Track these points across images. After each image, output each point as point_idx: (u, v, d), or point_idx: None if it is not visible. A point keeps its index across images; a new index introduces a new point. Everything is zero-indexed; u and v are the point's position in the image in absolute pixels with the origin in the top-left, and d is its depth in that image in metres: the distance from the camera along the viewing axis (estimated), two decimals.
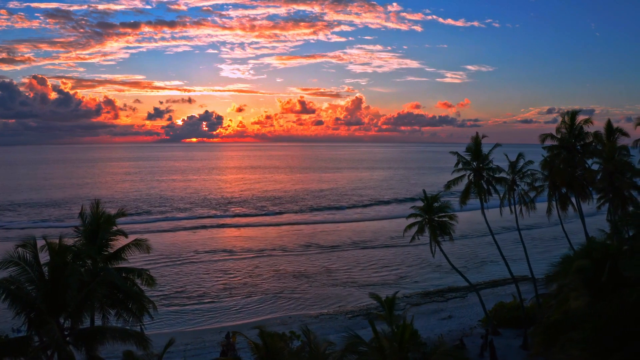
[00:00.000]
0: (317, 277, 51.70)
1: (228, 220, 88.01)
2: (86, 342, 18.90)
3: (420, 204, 34.88)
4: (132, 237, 23.88)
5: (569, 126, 36.93)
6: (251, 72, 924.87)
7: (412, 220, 34.32)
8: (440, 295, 45.32)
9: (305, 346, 18.82)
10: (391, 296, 31.25)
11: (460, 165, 35.04)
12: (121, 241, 23.68)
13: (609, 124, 38.67)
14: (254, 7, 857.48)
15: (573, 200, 38.16)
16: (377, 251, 62.90)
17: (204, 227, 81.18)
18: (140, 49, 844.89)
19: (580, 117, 37.45)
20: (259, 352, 18.49)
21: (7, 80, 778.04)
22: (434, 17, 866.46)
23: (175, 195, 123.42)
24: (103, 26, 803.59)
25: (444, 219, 33.59)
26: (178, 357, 31.41)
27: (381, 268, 54.94)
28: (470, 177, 34.86)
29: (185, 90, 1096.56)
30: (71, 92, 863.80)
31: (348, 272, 53.43)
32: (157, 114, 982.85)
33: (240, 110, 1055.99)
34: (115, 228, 23.24)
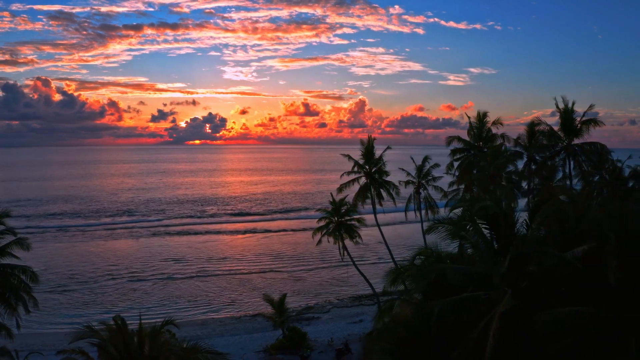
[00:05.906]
0: (258, 282, 52.35)
1: (198, 227, 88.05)
2: None
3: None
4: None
5: (477, 127, 37.06)
6: (254, 74, 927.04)
7: (321, 223, 35.38)
8: (371, 299, 46.03)
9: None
10: (282, 297, 32.92)
11: (356, 168, 35.66)
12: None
13: (531, 126, 38.41)
14: (256, 10, 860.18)
15: None
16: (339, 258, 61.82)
17: (168, 233, 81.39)
18: (143, 51, 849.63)
19: (490, 118, 37.53)
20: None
21: (10, 82, 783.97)
22: (436, 19, 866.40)
23: (157, 199, 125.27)
24: (106, 28, 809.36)
25: (351, 222, 34.58)
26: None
27: (335, 274, 54.92)
28: (361, 181, 35.64)
29: (188, 92, 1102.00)
30: (75, 93, 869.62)
31: (299, 278, 53.96)
32: (160, 116, 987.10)
33: (243, 112, 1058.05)
34: (2, 227, 24.88)
